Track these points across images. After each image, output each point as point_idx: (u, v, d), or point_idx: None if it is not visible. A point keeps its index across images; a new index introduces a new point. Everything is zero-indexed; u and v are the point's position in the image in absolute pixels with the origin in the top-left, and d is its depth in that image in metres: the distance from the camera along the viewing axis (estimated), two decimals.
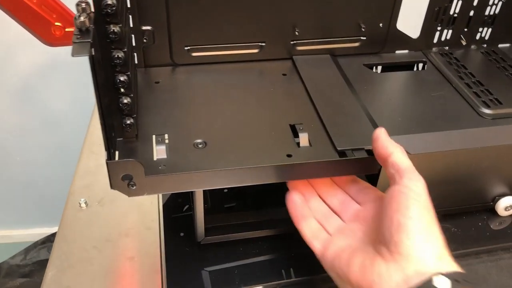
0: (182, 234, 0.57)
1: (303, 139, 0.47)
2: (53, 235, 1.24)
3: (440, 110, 0.54)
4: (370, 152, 0.46)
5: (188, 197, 0.66)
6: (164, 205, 0.62)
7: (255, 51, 0.60)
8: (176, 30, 0.56)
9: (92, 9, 0.38)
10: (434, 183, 0.53)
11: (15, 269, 1.15)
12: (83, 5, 0.36)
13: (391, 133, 0.49)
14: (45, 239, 1.23)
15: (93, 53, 0.34)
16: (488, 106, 0.54)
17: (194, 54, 0.58)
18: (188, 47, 0.58)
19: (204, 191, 0.58)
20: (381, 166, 0.48)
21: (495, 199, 0.57)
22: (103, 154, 0.73)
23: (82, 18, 0.35)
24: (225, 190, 0.60)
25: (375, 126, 0.50)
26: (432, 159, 0.50)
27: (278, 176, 0.45)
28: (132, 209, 0.63)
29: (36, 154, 1.30)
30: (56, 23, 0.51)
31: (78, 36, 0.34)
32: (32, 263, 1.19)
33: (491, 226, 0.58)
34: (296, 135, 0.48)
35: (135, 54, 0.56)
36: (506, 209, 0.57)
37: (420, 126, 0.51)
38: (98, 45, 0.38)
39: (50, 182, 1.36)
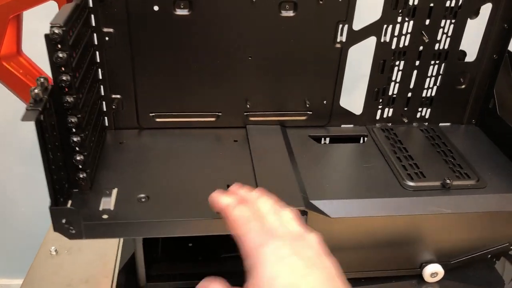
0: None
1: None
2: None
3: (366, 180, 0.60)
4: None
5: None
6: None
7: (213, 119, 0.68)
8: (142, 99, 0.65)
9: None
10: (356, 247, 0.58)
11: None
12: (42, 79, 0.45)
13: (316, 197, 0.56)
14: None
15: (42, 119, 0.43)
16: (411, 179, 0.59)
17: (158, 119, 0.67)
18: (153, 114, 0.66)
19: (156, 239, 0.65)
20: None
21: (422, 266, 0.61)
22: None
23: (36, 91, 0.43)
24: (189, 244, 0.66)
25: (303, 189, 0.56)
26: (352, 224, 0.56)
27: (202, 230, 0.52)
28: (97, 257, 0.69)
29: (40, 205, 1.36)
30: None
31: (31, 105, 0.43)
32: None
33: None
34: None
35: (106, 117, 0.65)
36: (432, 275, 0.61)
37: (343, 193, 0.57)
38: (54, 111, 0.47)
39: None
